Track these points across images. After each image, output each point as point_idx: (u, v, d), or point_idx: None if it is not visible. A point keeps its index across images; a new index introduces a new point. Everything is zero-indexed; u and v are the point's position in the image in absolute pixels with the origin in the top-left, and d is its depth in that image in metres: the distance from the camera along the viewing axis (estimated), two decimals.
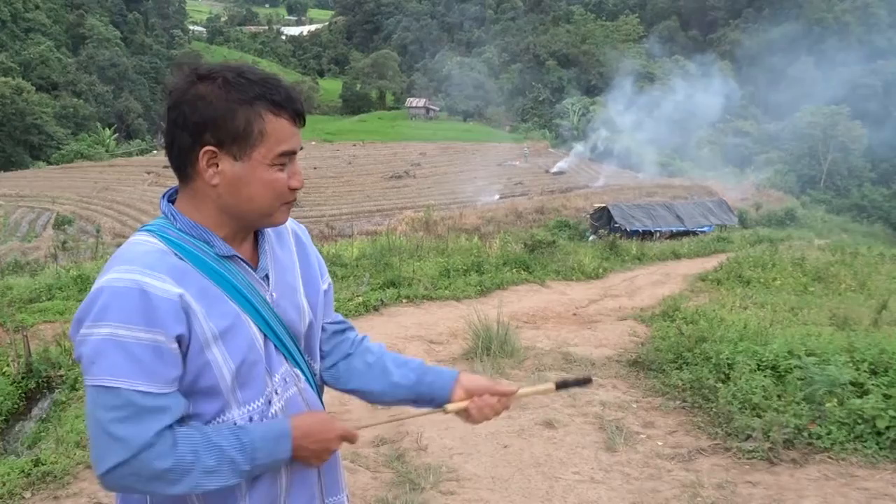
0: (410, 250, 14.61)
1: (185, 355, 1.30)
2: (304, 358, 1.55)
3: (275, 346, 1.45)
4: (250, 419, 1.39)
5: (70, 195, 47.05)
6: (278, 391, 1.45)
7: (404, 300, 9.67)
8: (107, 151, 68.08)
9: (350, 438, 1.49)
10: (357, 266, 12.45)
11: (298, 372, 1.52)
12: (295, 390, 1.49)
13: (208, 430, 1.33)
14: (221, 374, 1.34)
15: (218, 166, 1.34)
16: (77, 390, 6.37)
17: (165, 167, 52.87)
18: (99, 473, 1.26)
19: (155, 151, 69.14)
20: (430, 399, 1.62)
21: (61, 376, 7.00)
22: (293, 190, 1.41)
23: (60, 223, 37.19)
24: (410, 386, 1.63)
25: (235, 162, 1.34)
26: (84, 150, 66.38)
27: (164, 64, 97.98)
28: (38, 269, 17.33)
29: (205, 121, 1.32)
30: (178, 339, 1.28)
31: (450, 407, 1.58)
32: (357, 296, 9.55)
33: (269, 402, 1.43)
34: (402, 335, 7.78)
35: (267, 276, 1.48)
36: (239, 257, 1.43)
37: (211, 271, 1.37)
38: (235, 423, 1.37)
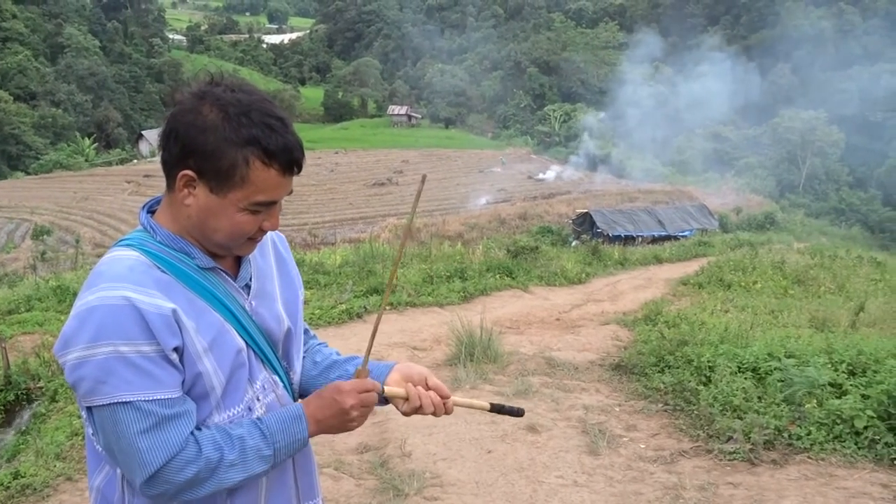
0: (394, 258, 14.59)
1: (182, 364, 1.32)
2: (281, 365, 1.56)
3: (254, 353, 1.47)
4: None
5: (49, 205, 46.61)
6: (259, 398, 1.47)
7: (387, 307, 9.65)
8: (86, 161, 67.47)
9: (363, 388, 1.45)
10: (340, 273, 12.41)
11: (276, 378, 1.53)
12: (273, 397, 1.51)
13: (225, 426, 1.37)
14: (212, 385, 1.36)
15: (194, 189, 1.34)
16: (56, 402, 6.30)
17: (146, 177, 52.63)
18: (138, 486, 1.30)
19: (135, 161, 68.63)
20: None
21: (41, 388, 6.91)
22: (263, 231, 1.41)
23: (39, 234, 36.79)
24: (350, 377, 1.63)
25: (210, 194, 1.33)
26: (63, 159, 65.74)
27: (144, 73, 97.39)
28: (16, 280, 17.13)
29: (193, 149, 1.31)
30: (175, 350, 1.30)
31: (387, 389, 1.55)
32: (340, 303, 9.52)
33: (251, 409, 1.44)
34: (385, 342, 7.77)
35: (247, 286, 1.49)
36: (219, 268, 1.43)
37: (194, 283, 1.38)
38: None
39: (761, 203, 45.97)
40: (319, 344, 1.77)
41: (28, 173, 63.73)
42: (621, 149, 60.72)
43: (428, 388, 1.58)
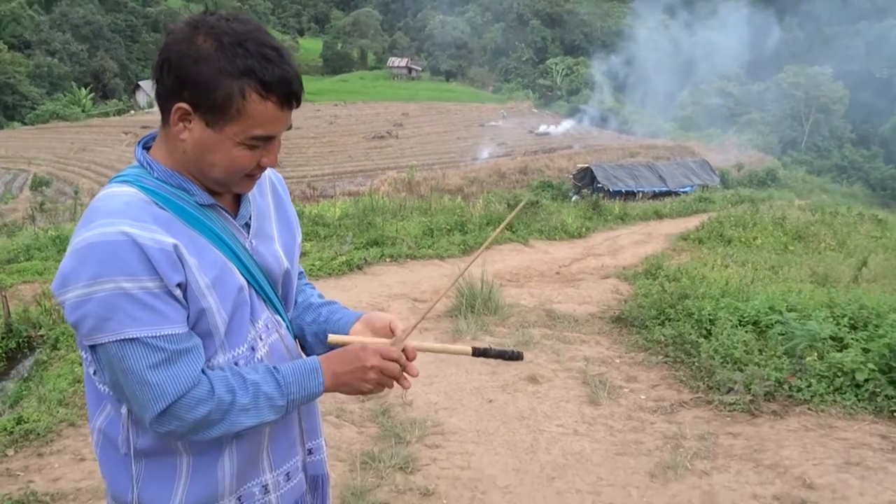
0: (393, 210, 14.54)
1: (185, 301, 1.29)
2: (282, 305, 1.54)
3: (256, 292, 1.43)
4: (235, 364, 1.37)
5: (46, 156, 46.25)
6: (262, 337, 1.44)
7: (388, 259, 9.64)
8: (83, 112, 66.70)
9: (388, 355, 1.42)
10: (340, 226, 12.37)
11: (279, 318, 1.51)
12: (276, 336, 1.48)
13: (240, 369, 1.34)
14: (216, 323, 1.32)
15: (190, 123, 1.29)
16: (58, 349, 6.32)
17: (143, 128, 52.10)
18: (149, 422, 1.27)
19: (132, 112, 67.92)
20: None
21: (42, 336, 6.93)
22: (262, 167, 1.36)
23: (37, 184, 36.60)
24: (321, 323, 1.60)
25: (206, 128, 1.28)
26: (59, 110, 65.00)
27: (141, 22, 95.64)
28: (15, 230, 17.08)
29: (186, 80, 1.25)
30: (179, 286, 1.26)
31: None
32: (340, 255, 9.50)
33: (254, 349, 1.41)
34: (385, 294, 7.77)
35: (247, 224, 1.46)
36: (219, 206, 1.39)
37: (194, 220, 1.33)
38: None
39: (763, 159, 45.66)
40: (305, 284, 1.74)
41: (24, 123, 63.09)
42: (624, 103, 60.12)
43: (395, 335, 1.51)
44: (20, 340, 6.93)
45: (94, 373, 1.37)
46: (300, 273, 1.73)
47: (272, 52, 1.27)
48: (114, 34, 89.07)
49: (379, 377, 1.42)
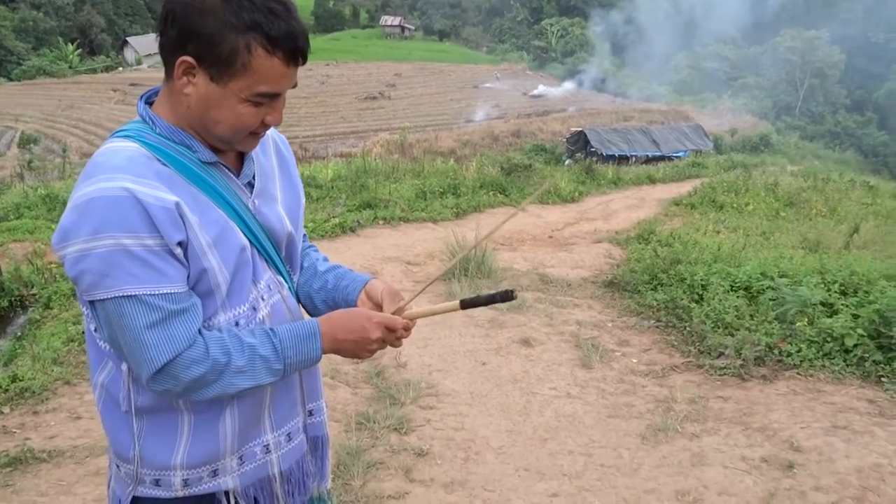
0: (386, 172, 14.47)
1: (186, 260, 1.28)
2: (285, 266, 1.53)
3: (258, 252, 1.43)
4: (236, 324, 1.37)
5: (34, 113, 45.58)
6: (264, 297, 1.44)
7: (381, 222, 9.63)
8: (70, 68, 65.53)
9: (393, 326, 1.42)
10: (332, 188, 12.32)
11: (281, 279, 1.50)
12: (279, 297, 1.48)
13: (237, 331, 1.34)
14: (217, 282, 1.32)
15: (194, 77, 1.27)
16: (51, 308, 6.31)
17: (132, 85, 51.41)
18: (145, 380, 1.27)
19: (120, 68, 66.81)
20: (345, 304, 1.58)
21: (34, 295, 6.90)
22: (266, 125, 1.35)
23: (25, 142, 36.11)
24: (329, 290, 1.60)
25: (211, 82, 1.26)
26: (46, 66, 63.82)
27: None
28: (3, 188, 16.91)
29: (191, 32, 1.23)
30: (180, 245, 1.25)
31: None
32: (333, 217, 9.48)
33: (255, 309, 1.41)
34: (379, 256, 7.77)
35: (250, 184, 1.44)
36: (222, 163, 1.38)
37: (196, 177, 1.32)
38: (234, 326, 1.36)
39: (757, 125, 45.52)
40: (310, 248, 1.73)
41: (10, 79, 62.04)
42: (620, 66, 59.62)
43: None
44: (12, 299, 6.90)
45: (95, 329, 1.37)
46: (304, 236, 1.72)
47: (279, 6, 1.25)
48: None
49: (380, 346, 1.43)
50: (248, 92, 1.27)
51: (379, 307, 1.51)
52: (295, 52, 1.28)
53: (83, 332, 4.94)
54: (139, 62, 67.51)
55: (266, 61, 1.25)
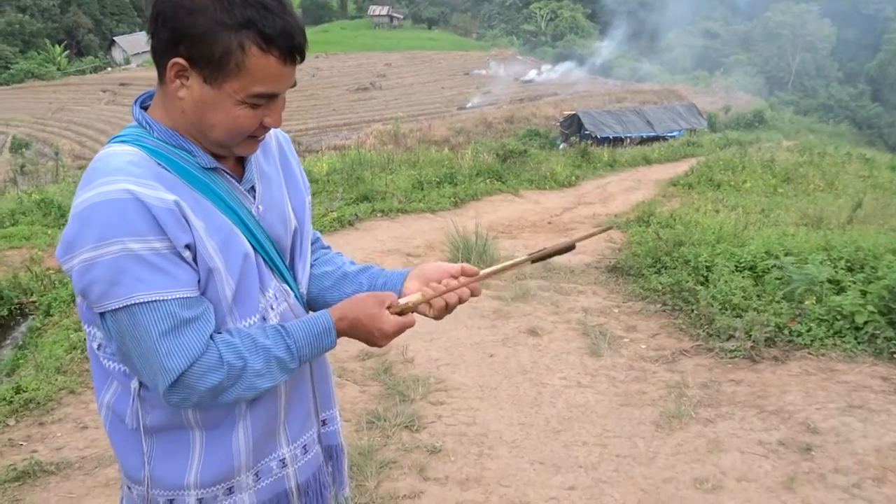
0: (381, 164, 14.38)
1: (195, 263, 1.23)
2: (291, 273, 1.48)
3: (263, 260, 1.37)
4: None
5: (24, 116, 45.33)
6: (273, 307, 1.39)
7: (379, 214, 9.56)
8: (58, 70, 65.08)
9: (406, 326, 1.38)
10: (329, 181, 12.23)
11: (287, 288, 1.45)
12: (286, 305, 1.42)
13: (250, 332, 1.28)
14: (223, 289, 1.26)
15: (187, 80, 1.21)
16: (51, 315, 6.25)
17: (122, 85, 51.17)
18: (161, 393, 1.21)
19: (109, 69, 66.39)
20: None
21: (34, 302, 6.85)
22: (265, 127, 1.29)
23: (17, 146, 35.85)
24: (366, 292, 1.52)
25: (204, 84, 1.20)
26: (34, 68, 63.36)
27: None
28: None
29: (182, 33, 1.17)
30: (188, 248, 1.20)
31: (402, 300, 1.42)
32: (331, 211, 9.41)
33: (265, 318, 1.36)
34: (378, 249, 7.72)
35: (252, 189, 1.38)
36: (223, 169, 1.32)
37: (198, 182, 1.26)
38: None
39: (750, 101, 45.41)
40: (333, 253, 1.67)
41: None
42: (610, 47, 59.38)
43: (455, 277, 1.45)
44: (12, 307, 6.85)
45: (99, 347, 1.32)
46: (318, 238, 1.66)
47: (273, 1, 1.19)
48: None
49: (390, 330, 1.37)
50: (244, 93, 1.21)
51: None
52: (291, 49, 1.22)
53: (85, 339, 4.90)
54: (128, 61, 67.05)
55: (261, 60, 1.19)
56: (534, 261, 1.46)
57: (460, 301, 1.43)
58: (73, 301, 6.19)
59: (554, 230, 9.08)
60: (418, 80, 54.03)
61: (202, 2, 1.16)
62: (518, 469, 3.25)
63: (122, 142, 1.25)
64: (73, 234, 1.16)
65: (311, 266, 1.59)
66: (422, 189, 11.46)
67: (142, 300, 1.15)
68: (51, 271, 7.20)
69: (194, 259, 1.22)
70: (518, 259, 1.46)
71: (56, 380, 4.34)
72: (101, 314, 1.21)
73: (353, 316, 1.35)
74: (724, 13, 66.17)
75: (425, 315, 1.43)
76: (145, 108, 1.32)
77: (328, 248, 1.69)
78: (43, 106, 48.99)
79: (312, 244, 1.63)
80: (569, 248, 1.46)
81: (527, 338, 4.84)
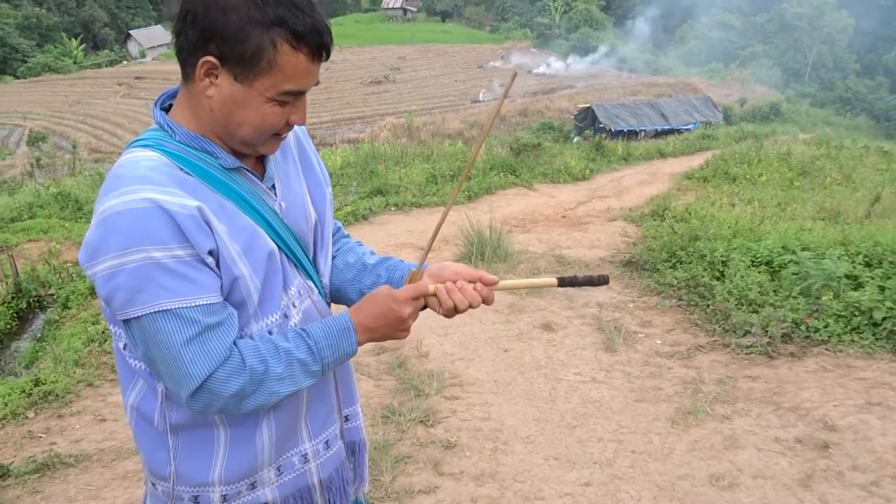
0: (395, 157, 14.39)
1: (218, 269, 1.23)
2: (315, 269, 1.48)
3: (287, 257, 1.38)
4: (269, 333, 1.32)
5: (41, 110, 45.67)
6: (295, 304, 1.39)
7: (393, 208, 9.58)
8: (75, 63, 65.57)
9: (419, 293, 1.39)
10: (342, 175, 12.26)
11: (311, 284, 1.45)
12: (309, 302, 1.43)
13: (271, 337, 1.29)
14: (249, 291, 1.27)
15: (217, 78, 1.22)
16: (69, 308, 6.31)
17: (137, 78, 51.33)
18: (185, 399, 1.23)
19: (125, 62, 66.76)
20: None
21: (52, 295, 6.92)
22: (290, 125, 1.30)
23: (34, 140, 36.22)
24: (383, 284, 1.53)
25: (235, 82, 1.21)
26: (51, 62, 63.89)
27: None
28: (15, 187, 16.97)
29: (213, 31, 1.18)
30: (210, 254, 1.20)
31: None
32: (345, 205, 9.44)
33: (287, 316, 1.36)
34: (392, 243, 7.73)
35: (273, 186, 1.39)
36: (245, 168, 1.33)
37: (220, 185, 1.27)
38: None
39: (766, 94, 45.03)
40: (353, 243, 1.67)
41: (16, 77, 62.17)
42: (627, 41, 59.02)
43: (470, 282, 1.45)
44: (30, 300, 6.93)
45: (125, 347, 1.33)
46: (339, 228, 1.67)
47: (303, 0, 1.20)
48: None
49: (415, 319, 1.39)
50: (274, 90, 1.22)
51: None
52: (320, 47, 1.23)
53: (103, 332, 4.93)
54: (143, 55, 67.42)
55: (292, 58, 1.20)
56: (561, 284, 1.43)
57: (471, 307, 1.43)
58: (91, 294, 6.25)
59: (568, 224, 9.05)
60: (432, 73, 53.97)
61: (235, 1, 1.17)
62: (533, 465, 3.25)
63: (144, 146, 1.26)
64: (96, 241, 1.17)
65: (333, 257, 1.60)
66: (435, 183, 11.46)
67: (165, 307, 1.16)
68: (68, 264, 7.26)
69: (217, 264, 1.22)
70: (544, 279, 1.45)
71: (74, 372, 4.39)
72: (126, 321, 1.22)
73: (368, 308, 1.37)
74: (740, 4, 65.51)
75: (435, 311, 1.44)
76: (165, 110, 1.33)
77: (348, 236, 1.70)
78: (59, 99, 49.35)
79: (334, 234, 1.64)
80: (602, 281, 1.42)
81: (541, 333, 4.84)
